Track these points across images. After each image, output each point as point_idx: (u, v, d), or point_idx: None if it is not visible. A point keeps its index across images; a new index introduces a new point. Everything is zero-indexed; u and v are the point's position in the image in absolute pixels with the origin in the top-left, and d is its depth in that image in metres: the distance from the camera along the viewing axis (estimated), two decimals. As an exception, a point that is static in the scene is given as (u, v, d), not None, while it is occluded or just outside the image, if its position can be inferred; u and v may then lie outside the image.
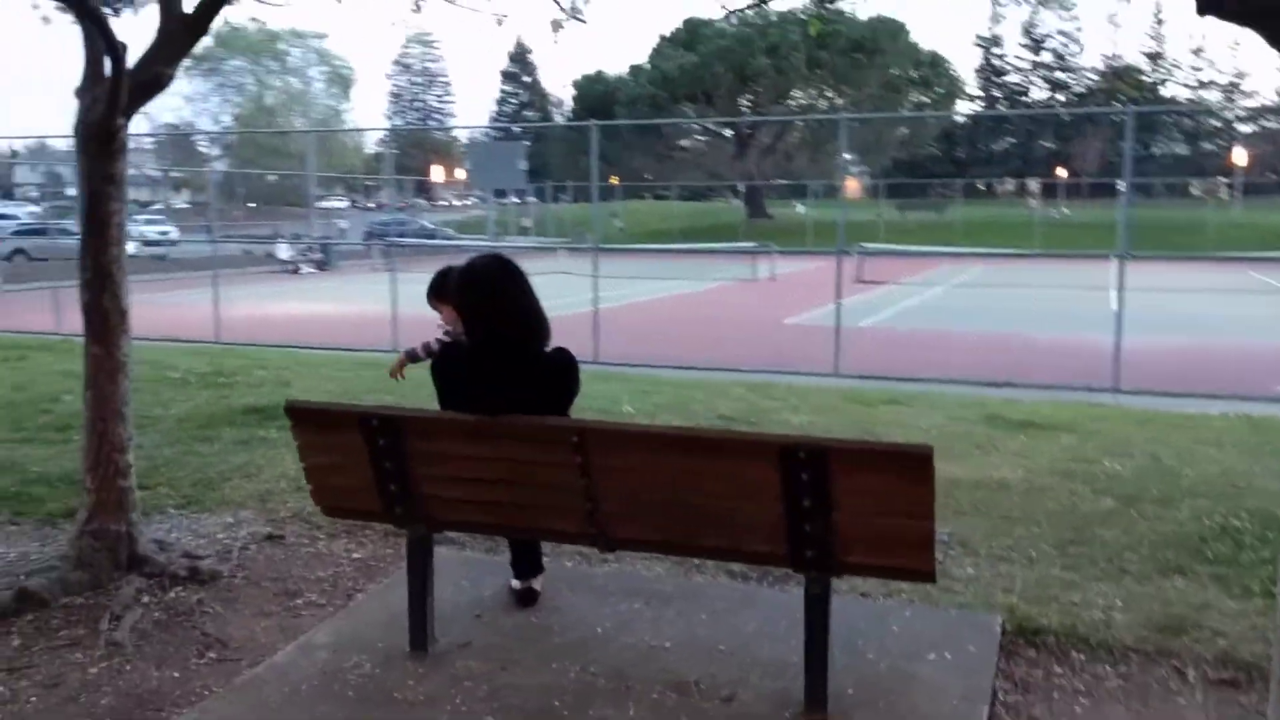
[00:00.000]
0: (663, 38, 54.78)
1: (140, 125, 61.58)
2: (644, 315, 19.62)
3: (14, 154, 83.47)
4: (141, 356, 10.73)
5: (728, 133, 54.53)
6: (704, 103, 50.72)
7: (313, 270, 33.24)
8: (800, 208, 50.97)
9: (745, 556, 3.67)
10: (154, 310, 20.55)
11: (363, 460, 3.82)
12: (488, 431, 3.66)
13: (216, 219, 26.37)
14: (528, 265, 3.99)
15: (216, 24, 4.88)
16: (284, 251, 34.18)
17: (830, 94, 52.65)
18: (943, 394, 9.91)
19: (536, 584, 4.51)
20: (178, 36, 4.76)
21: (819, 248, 31.97)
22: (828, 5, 4.94)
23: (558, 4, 5.91)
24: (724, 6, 5.02)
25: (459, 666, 3.93)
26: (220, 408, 7.99)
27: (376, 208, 65.64)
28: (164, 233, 50.11)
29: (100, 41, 4.46)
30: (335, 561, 5.03)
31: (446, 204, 70.32)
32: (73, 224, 43.76)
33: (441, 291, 4.55)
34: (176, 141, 66.80)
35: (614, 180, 53.61)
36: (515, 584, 4.52)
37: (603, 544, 3.77)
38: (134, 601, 4.39)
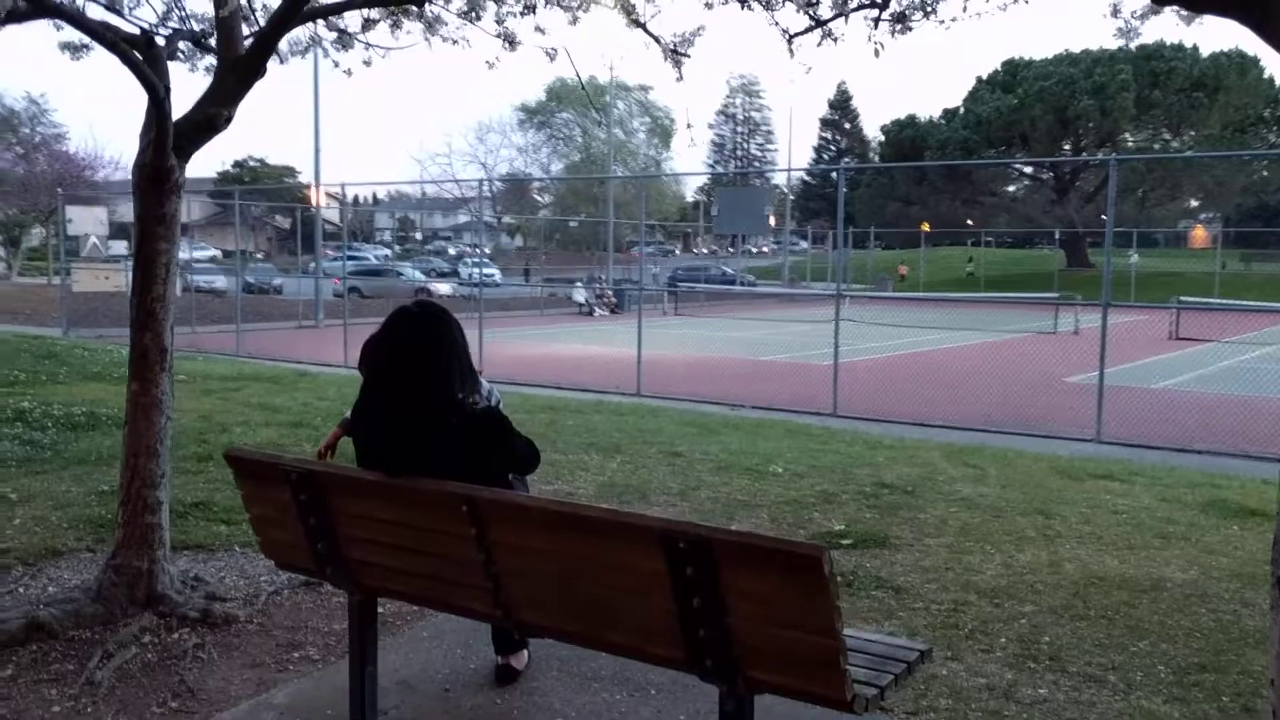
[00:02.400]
0: (979, 80, 52.60)
1: (477, 173, 66.28)
2: (913, 366, 18.60)
3: (375, 201, 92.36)
4: (342, 392, 11.20)
5: (1048, 176, 51.51)
6: (1020, 147, 48.09)
7: (605, 313, 34.17)
8: (1134, 257, 47.32)
9: (649, 658, 3.12)
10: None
11: (293, 515, 3.61)
12: (388, 492, 3.34)
13: (465, 258, 27.53)
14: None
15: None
16: (580, 294, 35.40)
17: (1167, 135, 48.46)
18: (1181, 470, 8.54)
19: (516, 661, 4.13)
20: (231, 79, 4.80)
21: (1145, 301, 29.38)
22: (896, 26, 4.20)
23: (658, 43, 5.55)
24: (785, 32, 4.49)
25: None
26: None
27: (674, 254, 67.12)
28: (489, 275, 53.61)
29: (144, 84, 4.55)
30: (358, 615, 4.85)
31: (754, 250, 70.73)
32: (408, 266, 47.50)
33: None
34: (512, 189, 71.31)
35: (924, 226, 51.93)
36: (497, 659, 4.15)
37: (514, 628, 3.35)
38: (133, 640, 4.38)
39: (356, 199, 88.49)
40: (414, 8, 5.20)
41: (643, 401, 12.84)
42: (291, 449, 8.02)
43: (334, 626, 4.72)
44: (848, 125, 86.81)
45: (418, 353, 3.39)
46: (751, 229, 27.72)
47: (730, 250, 59.70)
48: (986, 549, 5.88)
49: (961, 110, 51.85)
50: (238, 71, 4.81)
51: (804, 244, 63.03)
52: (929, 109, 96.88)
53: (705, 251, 71.48)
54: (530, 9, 5.03)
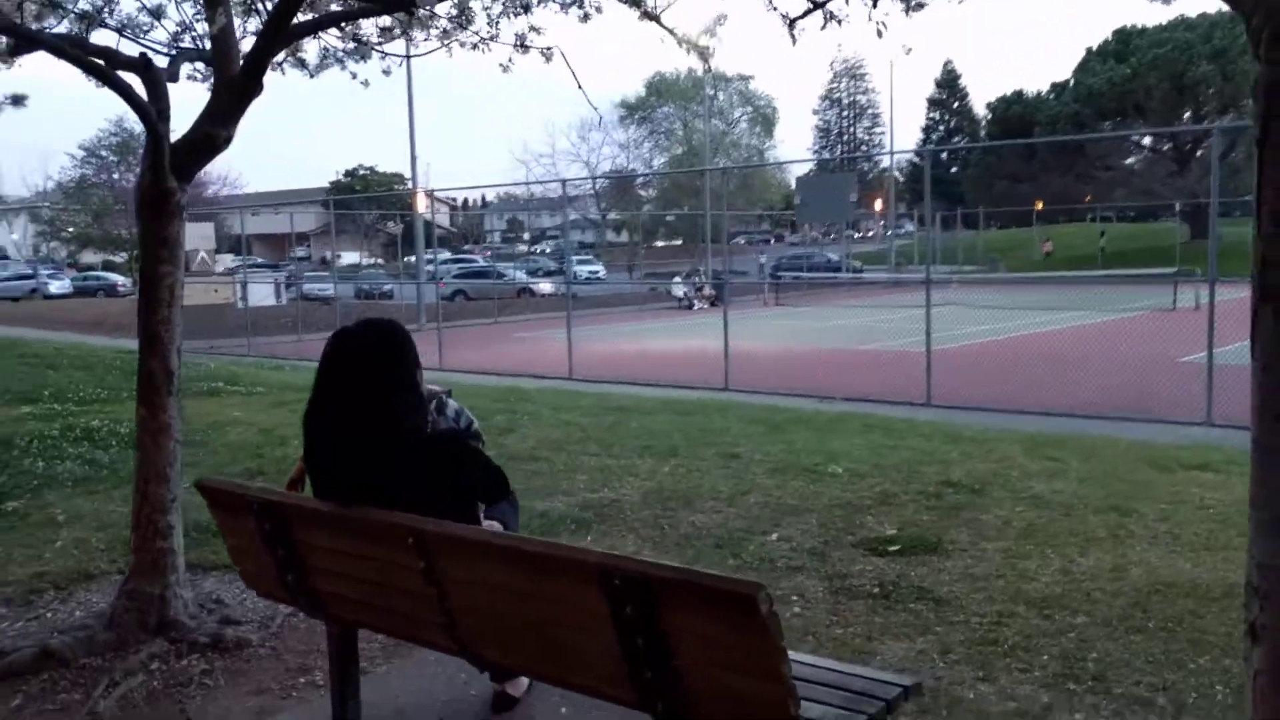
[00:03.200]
0: (1089, 51, 50.61)
1: (580, 171, 66.54)
2: (1018, 351, 17.92)
3: (484, 203, 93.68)
4: None
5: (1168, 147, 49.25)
6: (1134, 117, 46.06)
7: (704, 306, 33.85)
8: (1265, 226, 44.73)
9: (607, 699, 2.91)
10: (529, 347, 21.81)
11: (260, 545, 3.51)
12: (343, 523, 3.20)
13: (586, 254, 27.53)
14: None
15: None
16: (679, 289, 35.18)
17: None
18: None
19: (513, 688, 3.96)
20: (226, 97, 4.74)
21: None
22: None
23: (673, 35, 5.33)
24: (785, 17, 4.20)
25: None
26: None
27: (774, 243, 66.36)
28: (594, 272, 53.83)
29: (136, 109, 4.52)
30: (372, 638, 4.74)
31: (857, 235, 69.45)
32: (511, 268, 47.87)
33: None
34: (615, 185, 71.41)
35: (1038, 205, 50.26)
36: (494, 686, 4.00)
37: (476, 663, 3.18)
38: (140, 668, 4.35)
39: (466, 202, 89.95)
40: (412, 15, 5.07)
41: (721, 397, 12.61)
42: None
43: (346, 650, 4.63)
44: (955, 104, 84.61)
45: (361, 369, 3.24)
46: (835, 217, 27.14)
47: (833, 237, 58.78)
48: (1046, 553, 5.50)
49: (1071, 83, 50.00)
50: (233, 90, 4.75)
51: (910, 226, 61.60)
52: (1038, 84, 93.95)
53: (807, 238, 70.54)
54: (525, 8, 4.86)
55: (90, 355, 15.54)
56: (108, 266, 53.80)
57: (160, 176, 4.66)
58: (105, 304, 36.87)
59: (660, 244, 67.61)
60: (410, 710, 3.97)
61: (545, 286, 41.50)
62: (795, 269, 42.25)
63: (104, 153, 43.97)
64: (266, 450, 8.18)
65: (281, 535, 3.41)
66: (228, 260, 25.74)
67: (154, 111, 4.54)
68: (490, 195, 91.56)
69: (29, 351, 15.07)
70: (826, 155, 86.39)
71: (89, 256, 58.31)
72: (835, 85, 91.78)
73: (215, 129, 4.78)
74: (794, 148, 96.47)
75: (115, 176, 43.64)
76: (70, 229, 52.89)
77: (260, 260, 49.03)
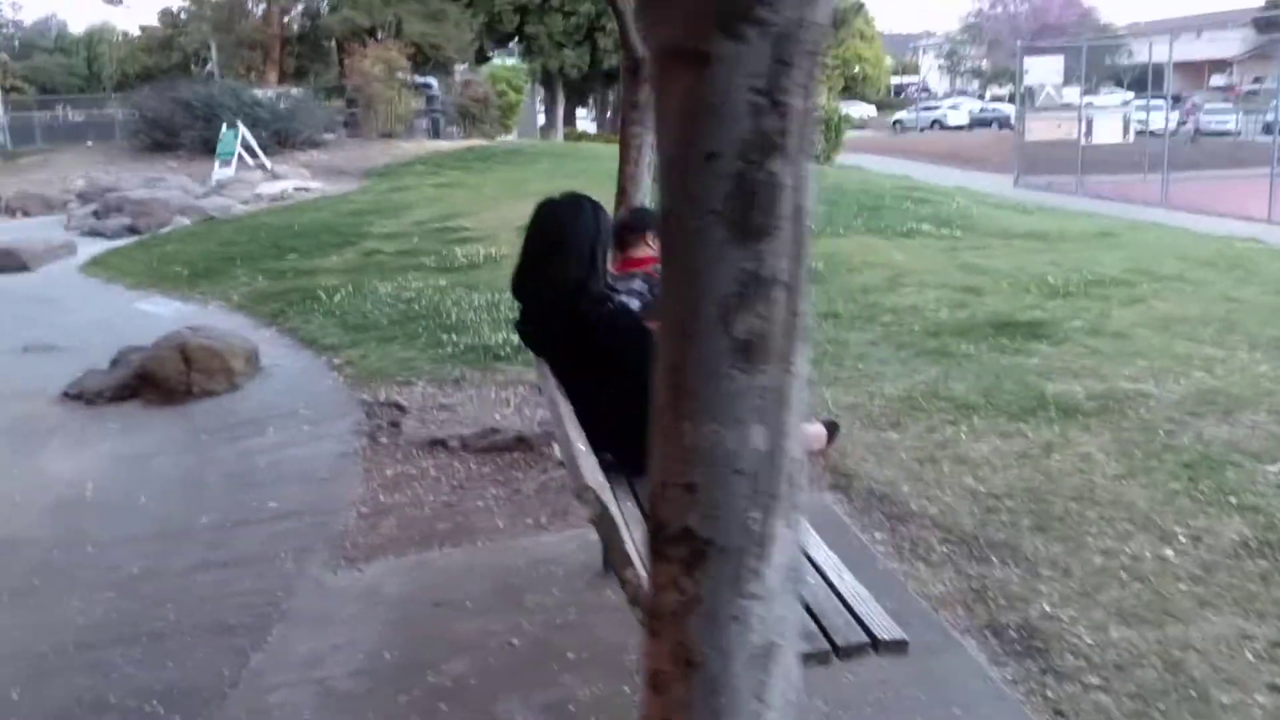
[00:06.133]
0: None
1: None
2: None
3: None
4: (1093, 257, 10.09)
5: None
6: None
7: None
8: None
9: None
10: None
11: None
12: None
13: None
14: None
15: None
16: None
17: None
18: None
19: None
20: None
21: None
22: None
23: None
24: None
25: (600, 597, 4.04)
26: (990, 318, 7.54)
27: None
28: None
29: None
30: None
31: None
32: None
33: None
34: None
35: None
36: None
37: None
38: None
39: None
40: None
41: None
42: (910, 314, 7.82)
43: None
44: None
45: (536, 239, 3.60)
46: None
47: None
48: None
49: None
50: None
51: None
52: None
53: None
54: None
55: (866, 188, 16.15)
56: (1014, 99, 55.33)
57: (630, 49, 5.29)
58: (978, 138, 38.24)
59: None
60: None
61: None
62: None
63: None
64: (867, 296, 8.19)
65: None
66: (1072, 95, 24.74)
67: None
68: None
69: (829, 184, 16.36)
70: None
71: (997, 89, 60.46)
72: None
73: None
74: None
75: (1008, 9, 44.39)
76: (979, 62, 55.31)
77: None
